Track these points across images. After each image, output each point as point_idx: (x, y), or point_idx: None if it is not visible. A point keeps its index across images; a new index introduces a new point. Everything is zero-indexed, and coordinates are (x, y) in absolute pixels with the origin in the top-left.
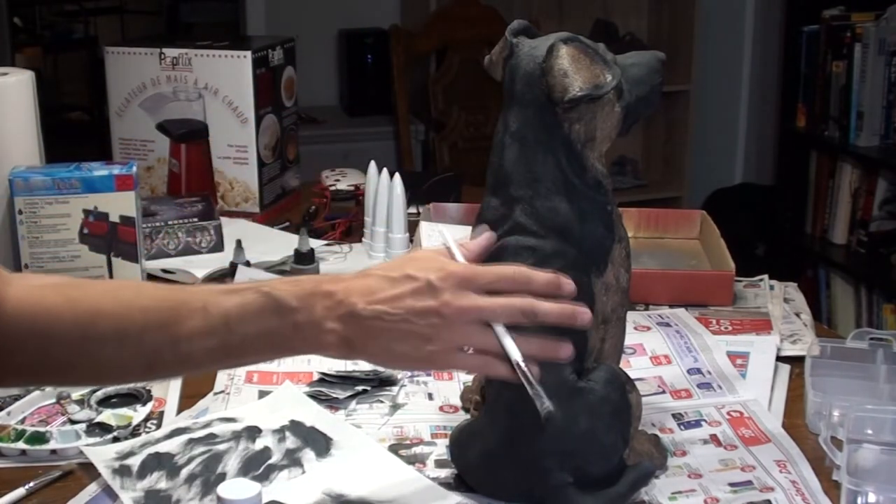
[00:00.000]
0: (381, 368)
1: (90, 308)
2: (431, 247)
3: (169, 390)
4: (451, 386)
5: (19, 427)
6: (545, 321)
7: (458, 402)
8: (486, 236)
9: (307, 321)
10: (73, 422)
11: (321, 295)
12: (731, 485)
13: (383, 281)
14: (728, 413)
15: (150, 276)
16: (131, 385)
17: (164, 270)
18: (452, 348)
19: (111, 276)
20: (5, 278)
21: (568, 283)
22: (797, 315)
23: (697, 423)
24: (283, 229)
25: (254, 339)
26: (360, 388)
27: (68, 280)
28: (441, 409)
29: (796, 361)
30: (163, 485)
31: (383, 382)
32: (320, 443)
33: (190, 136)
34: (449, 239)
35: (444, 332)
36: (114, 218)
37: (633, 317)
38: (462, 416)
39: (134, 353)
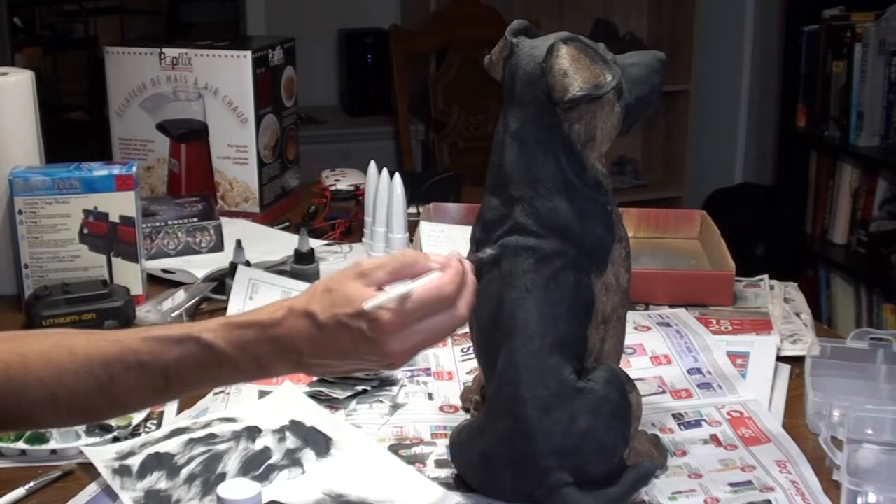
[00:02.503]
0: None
1: (23, 376)
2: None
3: None
4: (451, 386)
5: None
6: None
7: (458, 402)
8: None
9: (249, 367)
10: None
11: (266, 341)
12: (731, 485)
13: (324, 330)
14: (728, 413)
15: (150, 276)
16: None
17: (164, 270)
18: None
19: (111, 276)
20: None
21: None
22: (797, 315)
23: (697, 423)
24: (283, 229)
25: (192, 387)
26: (360, 388)
27: (6, 337)
28: (441, 409)
29: (796, 361)
30: (163, 485)
31: (383, 382)
32: (320, 443)
33: (190, 136)
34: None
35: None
36: (114, 218)
37: (633, 317)
38: (462, 416)
39: (67, 412)
